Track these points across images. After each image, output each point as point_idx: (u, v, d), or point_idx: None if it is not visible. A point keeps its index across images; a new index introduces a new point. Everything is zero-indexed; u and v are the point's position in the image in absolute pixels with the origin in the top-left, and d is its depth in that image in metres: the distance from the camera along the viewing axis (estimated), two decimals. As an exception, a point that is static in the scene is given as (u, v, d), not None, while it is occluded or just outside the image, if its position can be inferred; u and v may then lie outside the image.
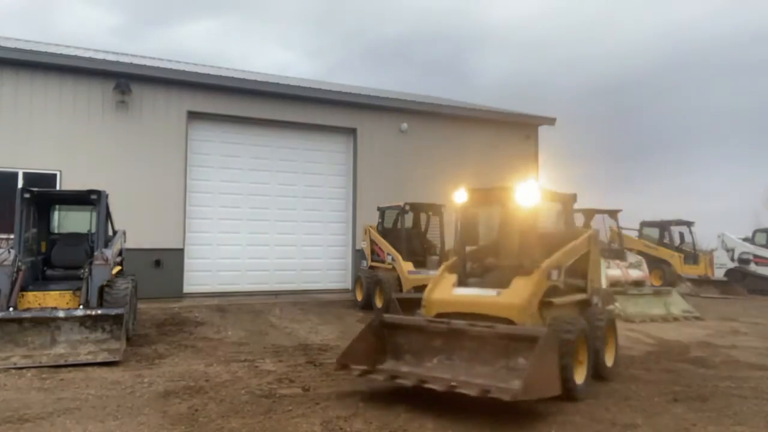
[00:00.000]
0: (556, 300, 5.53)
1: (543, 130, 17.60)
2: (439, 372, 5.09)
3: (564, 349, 4.98)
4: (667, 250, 17.44)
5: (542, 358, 4.54)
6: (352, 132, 14.86)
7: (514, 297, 5.31)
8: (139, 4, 78.08)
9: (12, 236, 7.86)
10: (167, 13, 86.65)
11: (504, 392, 4.38)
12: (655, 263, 16.32)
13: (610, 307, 11.13)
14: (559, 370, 4.78)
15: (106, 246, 7.74)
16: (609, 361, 6.11)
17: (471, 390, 4.55)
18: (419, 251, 11.73)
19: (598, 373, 5.76)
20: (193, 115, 13.07)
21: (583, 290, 6.25)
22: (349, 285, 14.29)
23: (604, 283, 11.67)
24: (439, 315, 5.61)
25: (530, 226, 5.96)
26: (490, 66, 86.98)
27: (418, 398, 5.23)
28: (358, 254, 13.82)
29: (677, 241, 18.01)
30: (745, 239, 19.27)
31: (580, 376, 5.27)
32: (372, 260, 11.99)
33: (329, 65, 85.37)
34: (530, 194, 5.71)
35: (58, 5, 76.58)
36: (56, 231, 8.82)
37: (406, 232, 11.50)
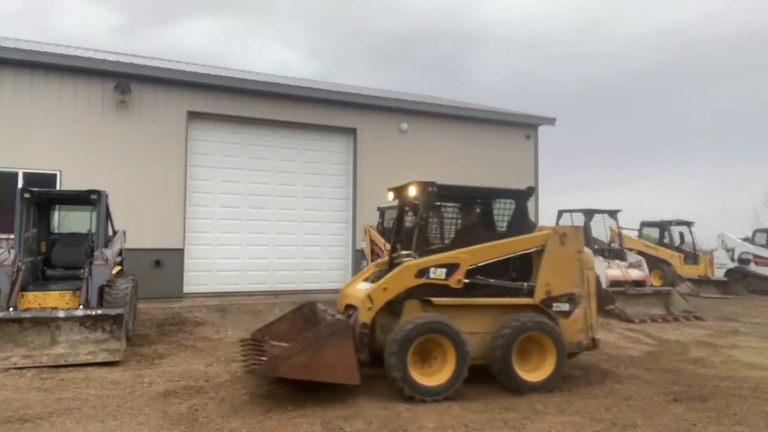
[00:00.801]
0: (437, 300, 5.49)
1: (543, 130, 17.61)
2: None
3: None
4: (667, 250, 17.42)
5: (312, 344, 4.95)
6: (352, 132, 14.86)
7: (363, 292, 5.59)
8: (138, 3, 78.08)
9: (12, 236, 7.86)
10: (167, 12, 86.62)
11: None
12: (655, 263, 16.30)
13: (610, 306, 11.21)
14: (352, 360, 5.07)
15: (106, 246, 7.74)
16: (527, 375, 5.55)
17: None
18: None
19: (514, 386, 5.47)
20: (193, 115, 13.06)
21: (521, 292, 5.83)
22: (349, 285, 14.28)
23: (604, 283, 11.74)
24: (346, 306, 6.06)
25: (417, 222, 6.07)
26: (490, 65, 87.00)
27: (418, 398, 5.23)
28: (358, 254, 13.82)
29: (677, 241, 18.01)
30: (745, 239, 19.26)
31: (421, 376, 5.21)
32: (372, 260, 11.99)
33: (330, 64, 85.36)
34: (415, 190, 5.99)
35: (57, 4, 76.61)
36: (56, 231, 8.83)
37: (406, 232, 11.47)
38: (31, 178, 11.22)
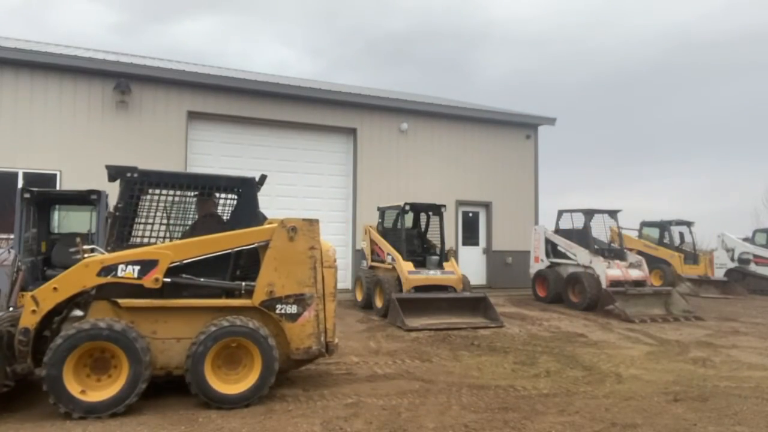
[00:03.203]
0: (124, 302, 4.84)
1: (543, 130, 17.62)
2: None
3: None
4: (667, 250, 17.44)
5: None
6: (352, 132, 14.86)
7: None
8: (138, 1, 78.12)
9: (12, 236, 7.86)
10: (167, 11, 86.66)
11: None
12: (655, 263, 16.32)
13: (610, 307, 11.22)
14: None
15: (106, 246, 7.74)
16: (226, 387, 4.90)
17: None
18: (419, 251, 11.74)
19: (207, 399, 4.83)
20: (193, 115, 13.07)
21: (240, 293, 5.20)
22: (349, 285, 14.28)
23: (604, 283, 11.75)
24: None
25: (111, 213, 5.43)
26: (491, 64, 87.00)
27: (418, 398, 5.24)
28: (358, 254, 13.82)
29: (677, 241, 18.02)
30: (745, 239, 19.26)
31: (90, 390, 4.59)
32: (372, 260, 11.99)
33: (330, 63, 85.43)
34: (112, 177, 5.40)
35: (56, 2, 76.62)
36: (56, 231, 8.83)
37: (406, 232, 11.50)
38: (31, 178, 11.22)
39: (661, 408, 5.15)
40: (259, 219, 5.55)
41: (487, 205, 16.48)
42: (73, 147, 11.77)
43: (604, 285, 11.76)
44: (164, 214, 5.72)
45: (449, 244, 12.63)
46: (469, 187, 16.10)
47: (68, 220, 9.09)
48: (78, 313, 5.05)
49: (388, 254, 11.20)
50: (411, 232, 12.09)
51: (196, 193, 5.74)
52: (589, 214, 13.22)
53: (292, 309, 5.16)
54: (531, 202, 17.14)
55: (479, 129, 16.56)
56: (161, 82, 12.71)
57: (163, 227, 5.72)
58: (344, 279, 14.64)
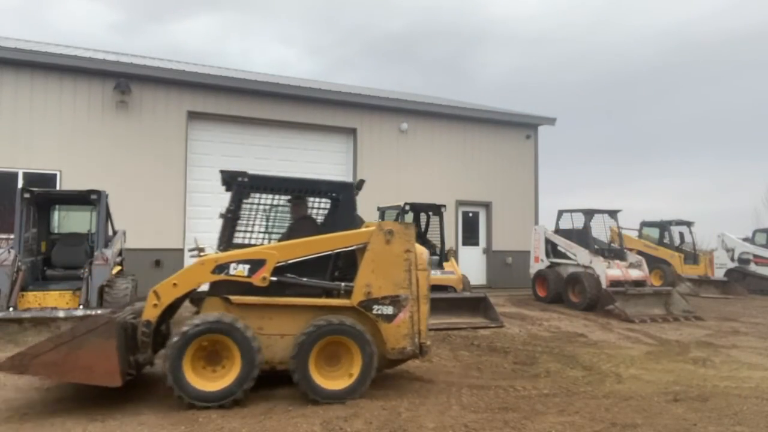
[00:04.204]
0: (235, 298, 5.11)
1: (543, 130, 17.62)
2: None
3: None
4: (667, 250, 17.44)
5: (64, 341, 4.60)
6: (352, 132, 14.86)
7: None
8: (138, 1, 78.14)
9: (12, 236, 7.86)
10: (167, 10, 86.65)
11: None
12: (655, 263, 16.32)
13: (610, 307, 11.22)
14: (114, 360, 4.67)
15: (106, 246, 7.75)
16: (328, 383, 5.11)
17: None
18: (419, 251, 11.71)
19: (312, 395, 5.02)
20: (193, 115, 13.07)
21: (339, 293, 5.37)
22: (349, 285, 14.29)
23: (604, 283, 11.75)
24: None
25: (224, 215, 5.63)
26: (492, 63, 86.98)
27: (418, 398, 5.24)
28: (358, 254, 13.80)
29: (677, 241, 18.01)
30: (745, 239, 19.26)
31: (203, 379, 4.86)
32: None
33: (330, 62, 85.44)
34: (224, 180, 5.60)
35: (57, 2, 76.62)
36: (56, 231, 8.83)
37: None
38: (31, 178, 11.22)
39: (661, 408, 5.15)
40: (356, 222, 5.74)
41: (487, 205, 16.48)
42: (73, 147, 11.77)
43: (604, 285, 11.76)
44: (265, 216, 5.98)
45: (449, 244, 12.62)
46: (469, 187, 16.09)
47: (68, 220, 9.10)
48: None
49: (388, 254, 11.17)
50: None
51: (291, 196, 5.96)
52: (589, 214, 13.22)
53: (388, 310, 5.33)
54: (531, 202, 17.14)
55: (479, 129, 16.56)
56: (161, 82, 12.70)
57: (264, 229, 5.99)
58: (344, 279, 14.66)
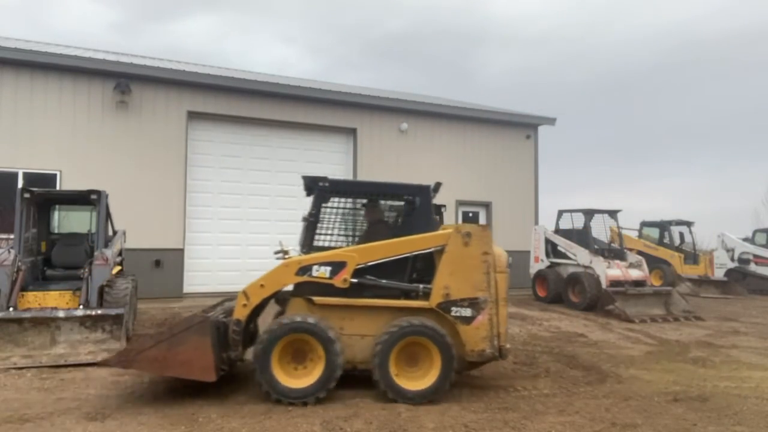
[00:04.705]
0: (319, 299, 5.32)
1: (543, 130, 17.62)
2: None
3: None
4: (667, 250, 17.44)
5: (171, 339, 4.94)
6: (352, 132, 14.86)
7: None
8: (138, 0, 78.11)
9: (12, 236, 7.86)
10: (167, 9, 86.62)
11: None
12: (655, 263, 16.32)
13: (610, 307, 11.21)
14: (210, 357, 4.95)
15: (106, 246, 7.74)
16: (409, 383, 5.17)
17: None
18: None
19: (392, 395, 5.12)
20: (193, 115, 13.07)
21: (418, 295, 5.45)
22: (349, 285, 14.29)
23: (604, 283, 11.75)
24: None
25: (306, 218, 5.76)
26: (492, 63, 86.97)
27: (418, 398, 5.24)
28: (358, 254, 13.80)
29: (677, 241, 18.02)
30: (745, 239, 19.26)
31: (289, 377, 5.07)
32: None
33: (331, 62, 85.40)
34: (306, 185, 5.78)
35: (57, 2, 76.62)
36: (56, 231, 8.82)
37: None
38: (31, 178, 11.22)
39: (661, 408, 5.15)
40: (433, 225, 5.75)
41: (487, 205, 16.48)
42: (73, 147, 11.77)
43: (604, 285, 11.76)
44: (340, 220, 6.11)
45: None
46: (469, 187, 16.09)
47: (68, 220, 9.09)
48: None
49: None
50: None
51: (366, 200, 6.08)
52: (589, 214, 13.22)
53: (467, 312, 5.36)
54: (531, 202, 17.14)
55: (479, 129, 16.56)
56: (161, 82, 12.70)
57: (341, 231, 6.12)
58: (344, 279, 14.65)
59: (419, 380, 5.21)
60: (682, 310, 11.30)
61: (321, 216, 5.74)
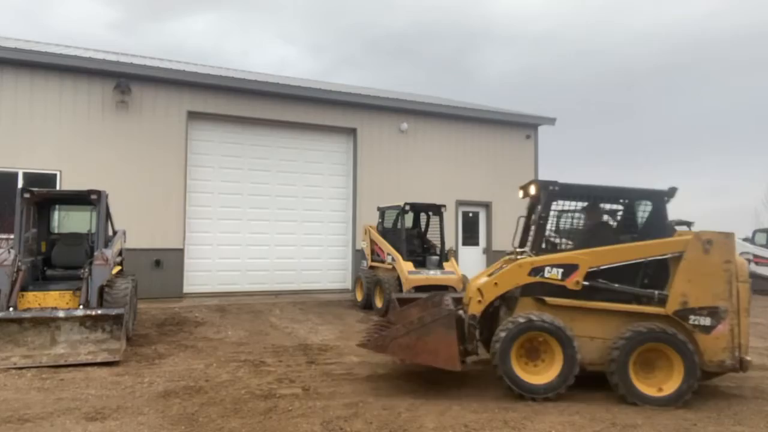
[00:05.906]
0: (551, 300, 5.47)
1: (543, 130, 17.61)
2: None
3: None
4: (667, 250, 17.39)
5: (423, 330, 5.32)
6: (352, 132, 14.86)
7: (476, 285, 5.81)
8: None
9: (12, 236, 7.86)
10: (166, 8, 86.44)
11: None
12: (655, 263, 16.26)
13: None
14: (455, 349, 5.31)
15: (106, 246, 7.73)
16: (648, 389, 5.26)
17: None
18: (419, 251, 11.73)
19: (632, 399, 5.22)
20: (193, 115, 13.07)
21: (652, 301, 5.48)
22: (349, 285, 14.29)
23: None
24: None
25: (535, 221, 5.99)
26: (493, 63, 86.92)
27: (418, 397, 5.24)
28: (358, 254, 13.82)
29: (677, 241, 17.97)
30: (745, 239, 19.24)
31: (527, 373, 5.30)
32: (372, 260, 11.99)
33: (331, 61, 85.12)
34: (535, 189, 6.03)
35: (57, 2, 76.59)
36: (56, 231, 8.82)
37: (406, 232, 11.50)
38: (31, 178, 11.22)
39: (661, 408, 5.15)
40: (668, 230, 5.77)
41: (487, 205, 16.48)
42: (73, 147, 11.77)
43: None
44: (566, 222, 6.23)
45: (449, 244, 12.62)
46: (469, 187, 16.09)
47: (68, 220, 9.09)
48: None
49: (388, 254, 11.20)
50: (411, 232, 12.09)
51: (588, 203, 6.14)
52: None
53: (706, 321, 5.32)
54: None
55: (479, 129, 16.56)
56: (161, 82, 12.70)
57: (567, 234, 6.22)
58: (344, 279, 14.65)
59: (656, 386, 5.26)
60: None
61: (548, 219, 5.89)
